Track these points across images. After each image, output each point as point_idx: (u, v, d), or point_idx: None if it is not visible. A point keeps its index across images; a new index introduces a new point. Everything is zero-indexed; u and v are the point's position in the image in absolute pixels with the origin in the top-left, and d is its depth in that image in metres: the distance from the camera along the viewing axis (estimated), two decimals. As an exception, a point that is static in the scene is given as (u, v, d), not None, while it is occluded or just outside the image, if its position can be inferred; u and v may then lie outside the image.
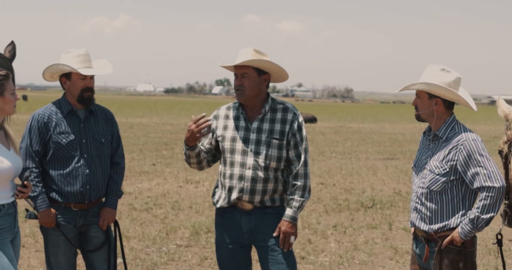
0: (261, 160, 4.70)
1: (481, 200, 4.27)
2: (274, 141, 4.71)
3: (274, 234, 4.71)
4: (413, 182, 4.65)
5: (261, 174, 4.70)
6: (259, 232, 4.76)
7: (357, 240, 9.24)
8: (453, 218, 4.40)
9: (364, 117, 59.09)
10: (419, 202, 4.50)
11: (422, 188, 4.48)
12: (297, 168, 4.73)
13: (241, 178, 4.72)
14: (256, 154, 4.71)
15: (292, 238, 4.72)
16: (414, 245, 4.67)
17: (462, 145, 4.34)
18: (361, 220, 10.64)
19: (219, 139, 4.83)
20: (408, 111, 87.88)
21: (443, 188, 4.40)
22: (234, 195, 4.73)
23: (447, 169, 4.37)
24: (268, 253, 4.75)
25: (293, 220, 4.71)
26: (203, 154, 4.87)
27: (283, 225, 4.70)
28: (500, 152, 4.77)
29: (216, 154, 4.94)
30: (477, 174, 4.29)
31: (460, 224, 4.35)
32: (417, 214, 4.53)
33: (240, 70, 4.72)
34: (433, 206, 4.44)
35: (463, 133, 4.39)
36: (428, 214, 4.46)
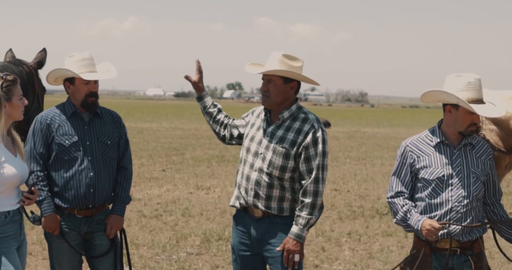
0: (265, 165, 4.69)
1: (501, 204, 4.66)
2: (280, 148, 4.67)
3: (278, 249, 4.65)
4: (441, 195, 4.52)
5: (265, 178, 4.68)
6: (265, 242, 4.74)
7: (372, 248, 9.20)
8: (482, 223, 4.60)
9: (379, 122, 58.98)
10: (465, 213, 4.49)
11: (467, 198, 4.49)
12: (306, 184, 4.64)
13: (248, 178, 4.74)
14: (264, 158, 4.71)
15: (297, 256, 4.62)
16: (441, 260, 4.57)
17: (491, 153, 4.61)
18: (376, 228, 10.60)
19: (244, 135, 4.93)
20: (423, 116, 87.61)
21: (482, 195, 4.58)
22: (242, 194, 4.77)
23: (485, 177, 4.57)
24: (273, 264, 4.73)
25: (298, 238, 4.62)
26: (218, 114, 5.15)
27: (288, 242, 4.62)
28: None
29: (235, 133, 5.05)
30: (497, 184, 4.63)
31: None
32: (458, 226, 4.49)
33: (267, 75, 4.74)
34: (474, 214, 4.52)
35: (482, 139, 4.60)
36: (471, 222, 4.51)
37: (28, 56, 5.86)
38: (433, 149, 4.57)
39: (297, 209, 4.67)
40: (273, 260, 4.71)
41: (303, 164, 4.66)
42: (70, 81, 5.03)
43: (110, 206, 5.21)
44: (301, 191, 4.66)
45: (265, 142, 4.74)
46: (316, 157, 4.64)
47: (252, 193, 4.71)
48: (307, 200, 4.62)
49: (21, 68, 5.63)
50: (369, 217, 11.44)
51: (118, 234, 5.23)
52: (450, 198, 4.49)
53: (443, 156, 4.55)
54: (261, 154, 4.73)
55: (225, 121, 5.10)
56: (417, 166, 4.58)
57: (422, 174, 4.55)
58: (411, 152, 4.61)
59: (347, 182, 15.85)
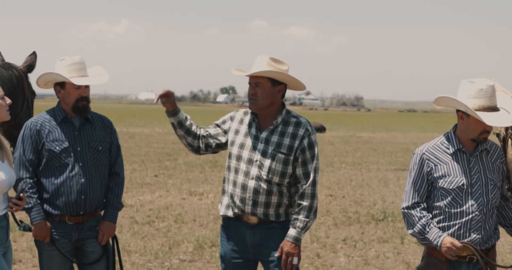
0: (264, 172, 4.70)
1: None
2: (279, 155, 4.70)
3: (276, 255, 4.68)
4: (461, 204, 4.49)
5: (264, 185, 4.69)
6: (264, 247, 4.75)
7: (367, 254, 9.21)
8: (498, 228, 4.65)
9: (374, 127, 59.05)
10: (484, 221, 4.51)
11: (486, 206, 4.50)
12: (304, 187, 4.69)
13: (244, 187, 4.72)
14: (261, 165, 4.71)
15: (295, 259, 4.66)
16: (456, 268, 4.55)
17: (502, 153, 4.63)
18: (371, 234, 10.61)
19: (229, 142, 4.87)
20: (420, 120, 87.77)
21: (499, 200, 4.62)
22: (236, 203, 4.74)
23: (501, 182, 4.61)
24: (273, 268, 4.73)
25: (296, 240, 4.66)
26: (192, 126, 4.92)
27: (285, 245, 4.66)
28: (498, 135, 4.84)
29: (212, 143, 4.94)
30: (506, 183, 4.67)
31: None
32: (478, 235, 4.50)
33: (254, 79, 4.74)
34: (492, 221, 4.56)
35: (498, 144, 4.66)
36: (489, 230, 4.54)
37: (19, 60, 5.86)
38: (450, 157, 4.54)
39: (293, 212, 4.71)
40: (273, 264, 4.72)
41: (300, 167, 4.71)
42: (60, 85, 5.02)
43: (102, 212, 5.20)
44: (298, 194, 4.70)
45: (260, 148, 4.74)
46: (312, 160, 4.72)
47: (250, 201, 4.70)
48: (305, 203, 4.66)
49: (11, 71, 5.61)
50: (365, 223, 11.45)
51: (110, 241, 5.21)
52: (470, 207, 4.48)
53: (461, 164, 4.52)
54: (256, 161, 4.72)
55: (198, 133, 4.96)
56: (434, 175, 4.54)
57: (441, 183, 4.51)
58: (428, 160, 4.56)
59: (343, 187, 15.86)
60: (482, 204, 4.47)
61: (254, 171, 4.72)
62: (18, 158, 4.96)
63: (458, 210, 4.48)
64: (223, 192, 4.90)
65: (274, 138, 4.74)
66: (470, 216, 4.47)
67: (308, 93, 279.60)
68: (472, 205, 4.47)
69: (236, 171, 4.78)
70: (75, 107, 5.02)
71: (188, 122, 4.96)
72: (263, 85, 4.72)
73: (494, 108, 4.41)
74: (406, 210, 4.59)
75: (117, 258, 5.26)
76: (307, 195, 4.68)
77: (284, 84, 4.80)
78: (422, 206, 4.58)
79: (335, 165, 21.38)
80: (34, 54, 5.92)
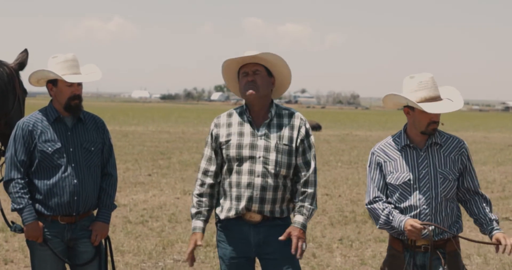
0: (271, 167, 4.72)
1: (487, 204, 4.73)
2: (284, 147, 4.75)
3: (282, 238, 4.65)
4: (409, 198, 4.62)
5: (270, 181, 4.71)
6: (268, 245, 4.76)
7: (364, 254, 9.22)
8: (460, 222, 4.70)
9: (371, 125, 59.10)
10: (434, 214, 4.58)
11: (435, 199, 4.58)
12: (307, 175, 4.77)
13: (250, 186, 4.72)
14: (265, 160, 4.72)
15: (304, 244, 4.73)
16: (414, 258, 4.63)
17: (464, 148, 4.69)
18: (368, 233, 10.62)
19: (223, 147, 4.82)
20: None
21: (454, 193, 4.66)
22: (243, 204, 4.72)
23: (457, 174, 4.65)
24: (275, 266, 4.75)
25: (304, 227, 4.73)
26: (214, 200, 4.91)
27: (295, 230, 4.69)
28: None
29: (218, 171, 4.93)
30: (474, 178, 4.73)
31: (493, 224, 4.64)
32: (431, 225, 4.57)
33: (252, 67, 4.76)
34: (444, 214, 4.61)
35: (457, 137, 4.73)
36: (442, 223, 4.59)
37: (10, 58, 5.83)
38: (399, 153, 4.70)
39: (298, 200, 4.78)
40: (276, 261, 4.75)
41: (300, 156, 4.79)
42: (53, 83, 5.02)
43: (95, 212, 5.20)
44: (301, 182, 4.77)
45: (261, 144, 4.75)
46: (310, 148, 4.83)
47: (257, 199, 4.71)
48: (310, 190, 4.76)
49: (2, 69, 5.59)
50: (361, 222, 11.46)
51: (103, 241, 5.21)
52: (417, 201, 4.60)
53: (409, 160, 4.67)
54: (259, 157, 4.73)
55: (215, 191, 4.92)
56: (384, 172, 4.71)
57: (389, 179, 4.68)
58: (378, 157, 4.77)
59: (339, 187, 15.87)
60: (431, 197, 4.58)
61: (258, 168, 4.72)
62: (9, 158, 4.96)
63: (407, 204, 4.62)
64: (224, 196, 4.85)
65: (273, 131, 4.78)
66: (419, 210, 4.59)
67: (303, 91, 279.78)
68: (419, 199, 4.60)
69: (239, 172, 4.76)
70: (68, 106, 5.01)
71: (211, 208, 4.93)
72: (261, 73, 4.76)
73: (437, 98, 4.59)
74: (369, 205, 4.73)
75: (109, 258, 5.27)
76: (310, 182, 4.78)
77: (274, 78, 4.85)
78: (384, 200, 4.69)
79: (331, 163, 21.39)
80: (25, 51, 5.89)
